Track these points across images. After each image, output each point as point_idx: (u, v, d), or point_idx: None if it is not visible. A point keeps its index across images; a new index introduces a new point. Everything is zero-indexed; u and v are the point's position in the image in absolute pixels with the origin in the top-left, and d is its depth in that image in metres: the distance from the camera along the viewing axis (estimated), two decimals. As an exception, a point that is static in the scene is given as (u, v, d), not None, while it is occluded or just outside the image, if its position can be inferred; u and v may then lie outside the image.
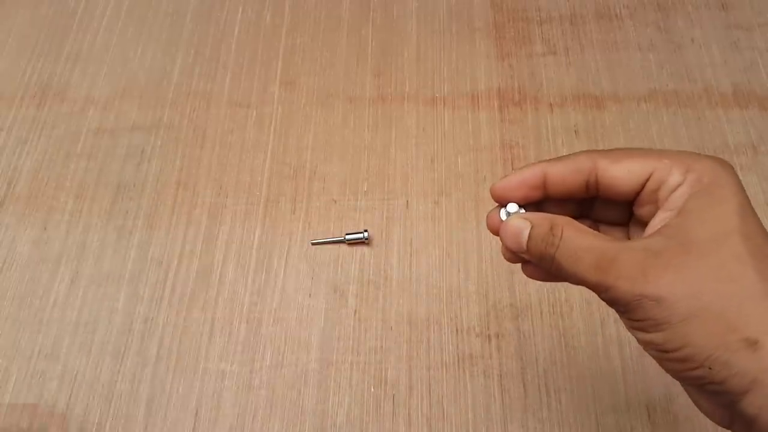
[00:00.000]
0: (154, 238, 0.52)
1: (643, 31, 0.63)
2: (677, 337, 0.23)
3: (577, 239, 0.25)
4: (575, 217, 0.28)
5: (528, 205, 0.29)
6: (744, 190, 0.25)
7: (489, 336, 0.48)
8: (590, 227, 0.27)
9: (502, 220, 0.29)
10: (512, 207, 0.29)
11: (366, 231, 0.51)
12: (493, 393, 0.46)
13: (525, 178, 0.28)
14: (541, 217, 0.27)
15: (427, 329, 0.48)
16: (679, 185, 0.25)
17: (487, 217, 0.30)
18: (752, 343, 0.22)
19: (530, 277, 0.30)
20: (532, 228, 0.27)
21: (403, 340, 0.48)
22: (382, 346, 0.48)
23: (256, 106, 0.59)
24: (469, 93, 0.59)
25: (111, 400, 0.46)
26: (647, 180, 0.26)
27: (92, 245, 0.52)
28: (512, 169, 0.55)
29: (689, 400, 0.26)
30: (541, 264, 0.27)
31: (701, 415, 0.26)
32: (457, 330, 0.48)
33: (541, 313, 0.48)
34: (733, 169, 0.25)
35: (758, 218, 0.25)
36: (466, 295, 0.49)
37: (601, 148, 0.56)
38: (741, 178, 0.52)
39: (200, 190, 0.55)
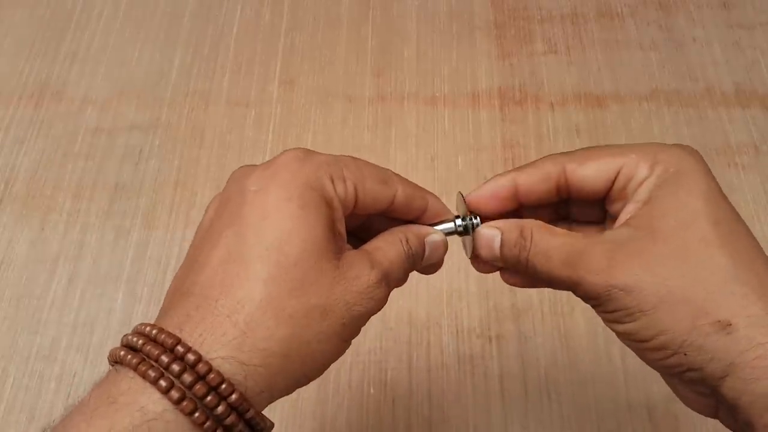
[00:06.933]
0: (152, 238, 0.52)
1: (645, 30, 0.62)
2: (650, 325, 0.23)
3: (546, 239, 0.26)
4: (552, 221, 0.28)
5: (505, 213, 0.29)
6: (712, 177, 0.25)
7: (490, 337, 0.47)
8: (567, 229, 0.27)
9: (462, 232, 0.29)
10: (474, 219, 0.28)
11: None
12: (493, 395, 0.45)
13: (496, 190, 0.28)
14: (510, 223, 0.27)
15: (428, 330, 0.48)
16: (647, 178, 0.25)
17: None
18: (725, 326, 0.22)
19: (510, 284, 0.30)
20: (503, 234, 0.27)
21: (403, 341, 0.47)
22: (381, 347, 0.47)
23: (254, 106, 0.59)
24: (469, 92, 0.59)
25: (109, 402, 0.46)
26: (616, 177, 0.26)
27: (90, 245, 0.52)
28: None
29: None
30: (516, 269, 0.27)
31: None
32: (457, 331, 0.48)
33: (542, 314, 0.48)
34: (700, 156, 0.26)
35: (729, 203, 0.25)
36: (466, 296, 0.49)
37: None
38: (742, 177, 0.54)
39: (198, 190, 0.54)
